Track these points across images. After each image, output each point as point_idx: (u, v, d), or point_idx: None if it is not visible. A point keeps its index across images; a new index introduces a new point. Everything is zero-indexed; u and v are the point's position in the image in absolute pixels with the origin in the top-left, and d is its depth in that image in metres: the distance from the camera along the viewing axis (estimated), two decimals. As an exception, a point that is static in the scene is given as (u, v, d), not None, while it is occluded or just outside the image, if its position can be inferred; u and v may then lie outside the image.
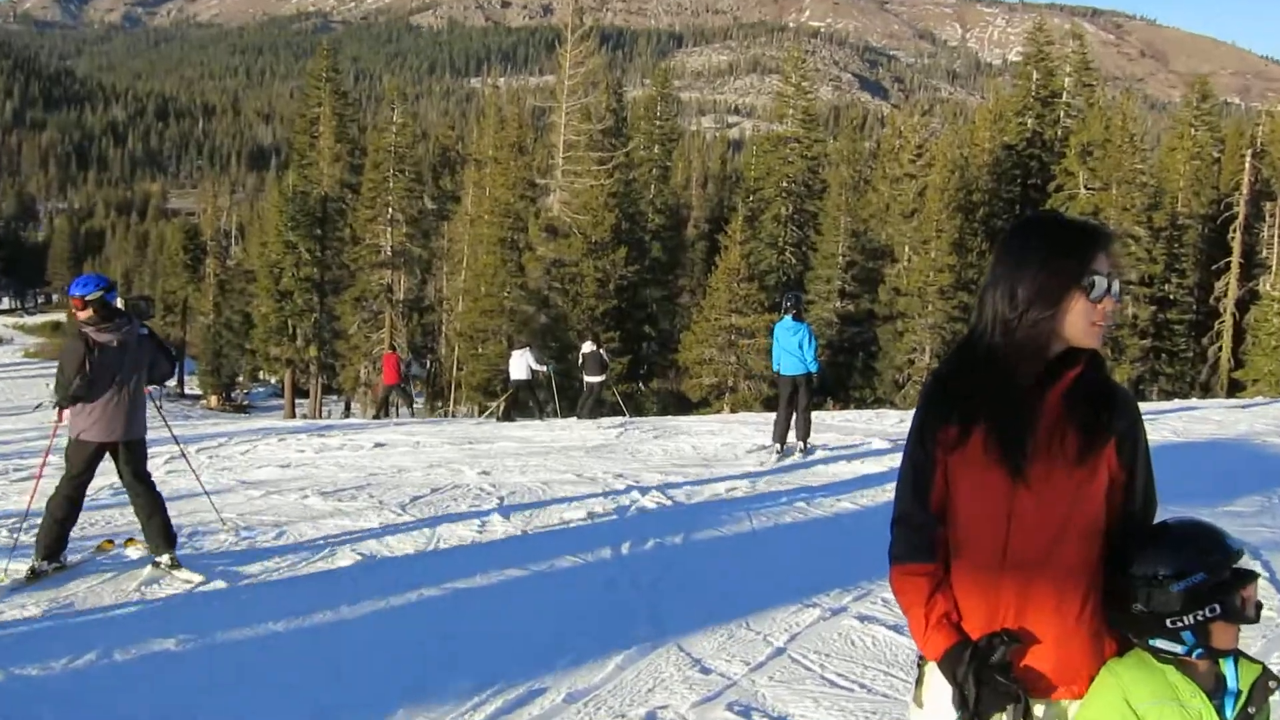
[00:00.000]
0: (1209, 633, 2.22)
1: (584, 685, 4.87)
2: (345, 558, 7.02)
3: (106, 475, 7.85)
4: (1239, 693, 2.24)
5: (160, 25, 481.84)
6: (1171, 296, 41.96)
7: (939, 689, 2.38)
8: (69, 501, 6.72)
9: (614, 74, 50.86)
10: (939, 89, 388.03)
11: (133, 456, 6.91)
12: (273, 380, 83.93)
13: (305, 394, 58.14)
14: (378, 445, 14.25)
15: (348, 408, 56.44)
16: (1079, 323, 2.32)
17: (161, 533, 6.76)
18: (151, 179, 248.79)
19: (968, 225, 42.28)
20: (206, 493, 8.91)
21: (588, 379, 20.89)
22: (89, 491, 7.06)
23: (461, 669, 5.08)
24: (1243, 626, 2.25)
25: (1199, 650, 2.23)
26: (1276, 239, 41.50)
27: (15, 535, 7.44)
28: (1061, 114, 46.35)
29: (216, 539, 7.69)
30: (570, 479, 10.23)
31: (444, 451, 13.29)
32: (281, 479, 10.82)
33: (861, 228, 45.64)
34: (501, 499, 9.12)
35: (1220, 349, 41.67)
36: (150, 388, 7.31)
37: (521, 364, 21.09)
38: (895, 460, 11.26)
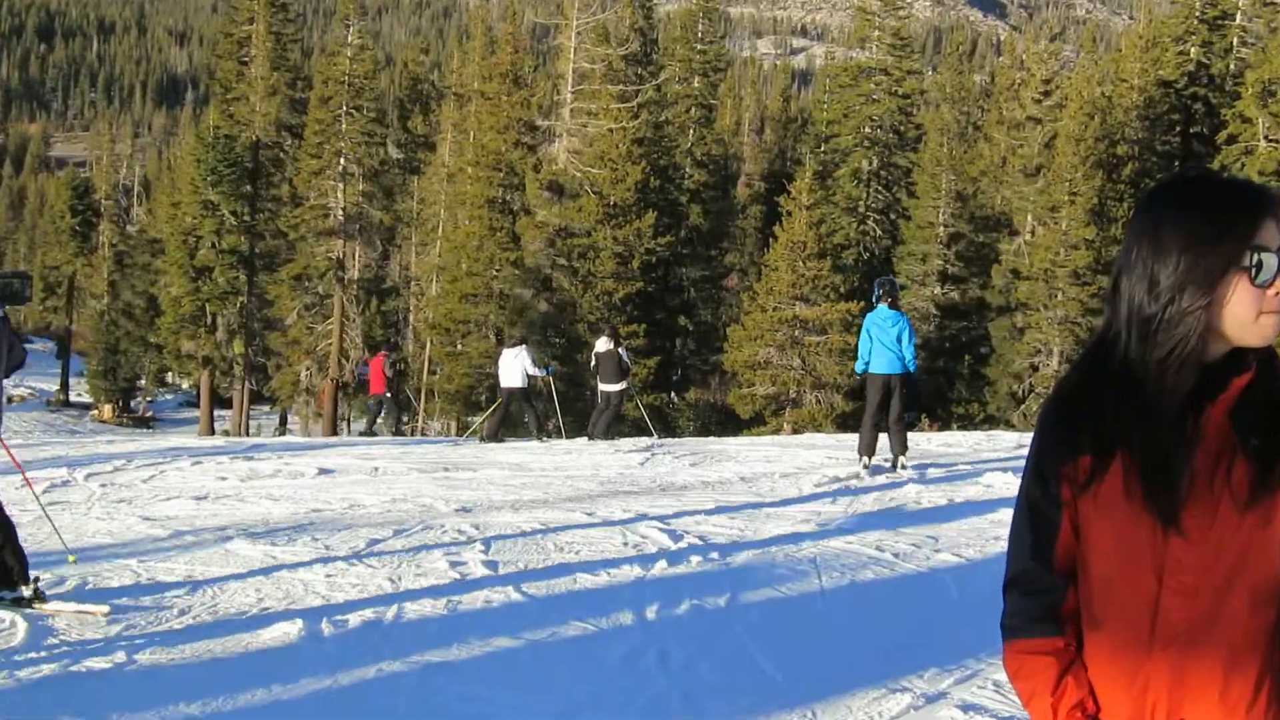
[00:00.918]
0: None
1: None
2: (280, 622, 7.02)
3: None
4: None
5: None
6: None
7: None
8: None
9: (641, -18, 50.92)
10: (1073, 6, 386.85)
11: None
12: (185, 385, 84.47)
13: (227, 403, 58.53)
14: (323, 472, 14.29)
15: (284, 422, 56.85)
16: (1243, 315, 2.26)
17: (16, 561, 6.88)
18: (29, 117, 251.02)
19: (1110, 187, 42.16)
20: (58, 529, 8.96)
21: (603, 387, 20.89)
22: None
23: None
24: None
25: None
26: None
27: None
28: (1235, 41, 46.13)
29: (110, 590, 7.71)
30: (579, 520, 10.23)
31: (411, 481, 13.31)
32: (196, 515, 10.86)
33: (969, 189, 45.59)
34: (487, 546, 9.12)
35: None
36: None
37: (515, 367, 21.10)
38: (1012, 501, 11.20)
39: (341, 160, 46.06)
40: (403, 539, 9.43)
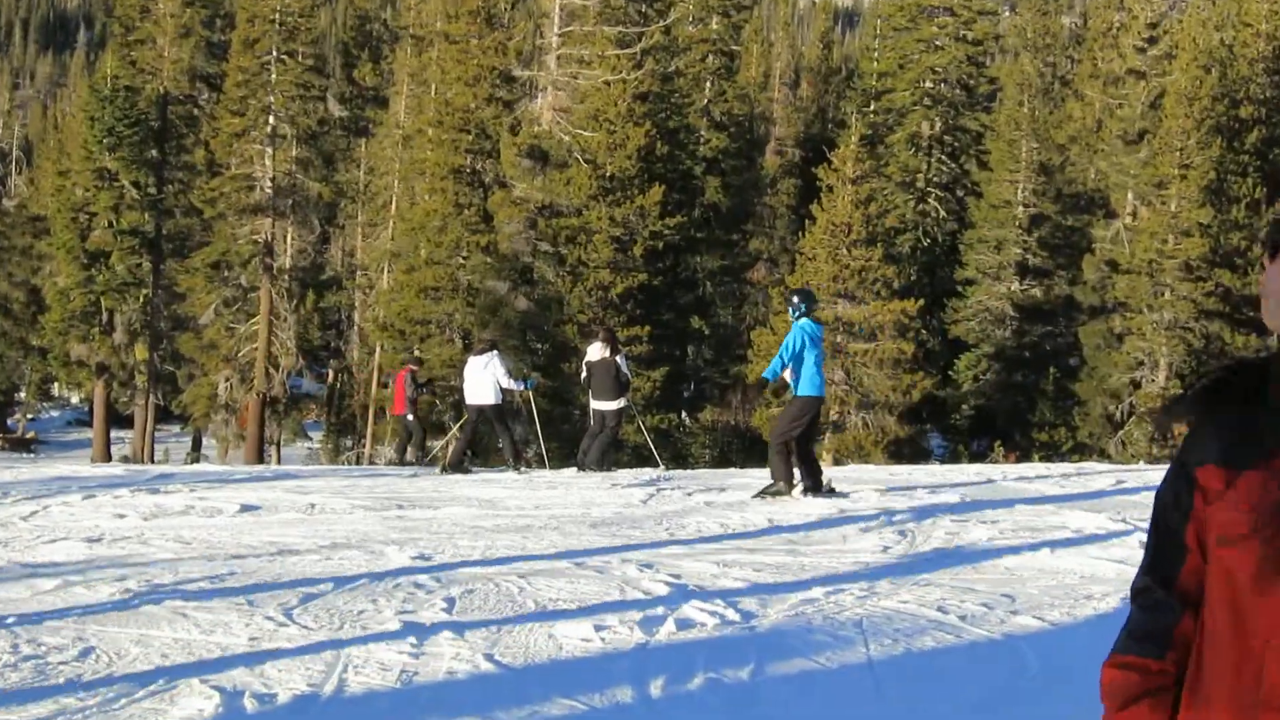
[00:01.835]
0: None
1: None
2: (192, 698, 7.01)
3: None
4: None
5: None
6: None
7: None
8: None
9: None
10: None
11: None
12: (75, 399, 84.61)
13: (128, 422, 58.59)
14: (246, 509, 14.31)
15: (197, 446, 56.88)
16: None
17: None
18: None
19: (1231, 158, 42.16)
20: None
21: (596, 405, 20.91)
22: None
23: None
24: None
25: None
26: None
27: None
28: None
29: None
30: (566, 570, 10.24)
31: (356, 521, 13.34)
32: (90, 562, 10.86)
33: (1055, 160, 45.68)
34: (450, 603, 9.12)
35: None
36: None
37: (485, 379, 21.12)
38: (1108, 551, 11.23)
39: (271, 119, 46.17)
40: (345, 593, 9.42)
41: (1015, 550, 11.36)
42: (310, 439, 64.31)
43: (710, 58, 52.95)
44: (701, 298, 49.67)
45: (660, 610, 8.97)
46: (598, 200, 41.67)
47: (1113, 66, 45.49)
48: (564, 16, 42.78)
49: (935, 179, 49.77)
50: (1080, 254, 43.38)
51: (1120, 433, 40.15)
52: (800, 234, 42.71)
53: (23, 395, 77.07)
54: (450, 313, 39.97)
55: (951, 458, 44.64)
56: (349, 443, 54.18)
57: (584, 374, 21.25)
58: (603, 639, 8.26)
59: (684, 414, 48.18)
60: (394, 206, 48.81)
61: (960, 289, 47.64)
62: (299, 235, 47.56)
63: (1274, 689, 2.28)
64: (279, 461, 53.05)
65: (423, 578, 9.97)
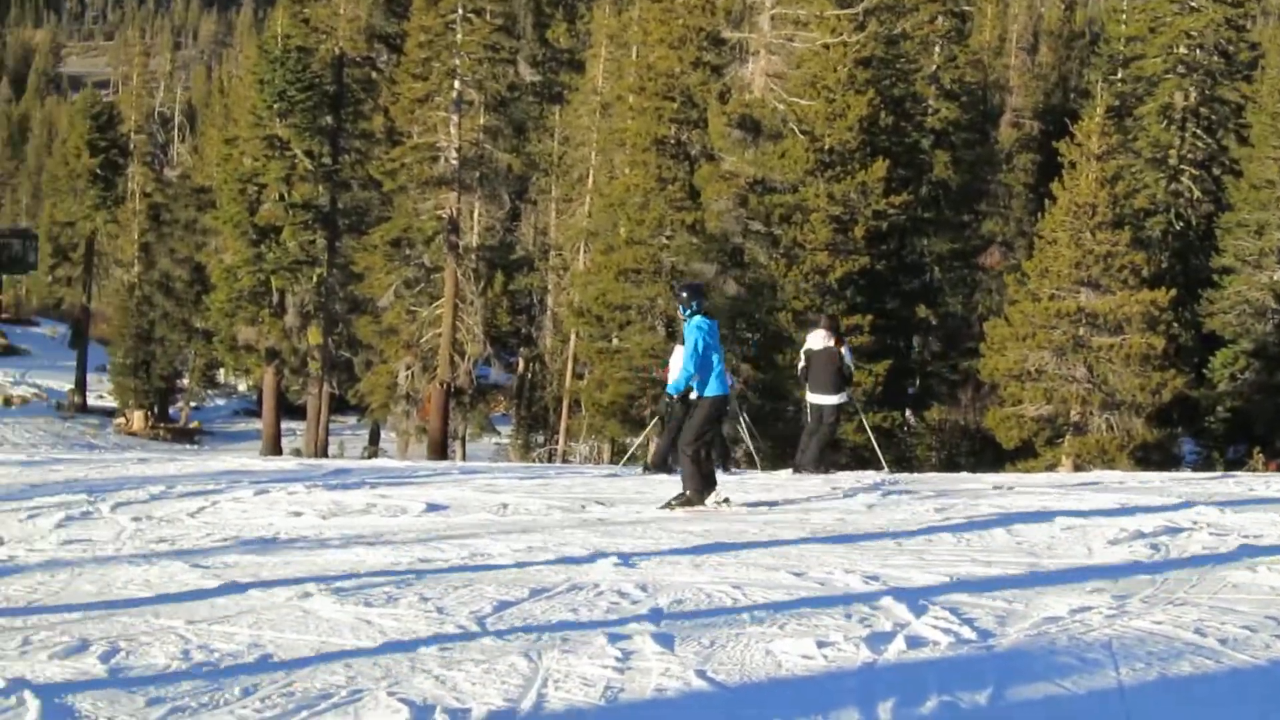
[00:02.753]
0: None
1: None
2: (378, 711, 7.09)
3: None
4: None
5: None
6: None
7: None
8: None
9: None
10: None
11: None
12: (242, 387, 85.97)
13: (299, 412, 59.50)
14: (432, 509, 14.49)
15: (375, 439, 57.66)
16: None
17: None
18: (33, 21, 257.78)
19: None
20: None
21: (814, 399, 20.82)
22: None
23: None
24: None
25: None
26: None
27: None
28: None
29: (148, 660, 7.89)
30: (783, 580, 10.24)
31: (553, 523, 13.44)
32: (263, 563, 11.09)
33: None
34: (658, 613, 9.17)
35: None
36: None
37: (692, 370, 21.16)
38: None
39: (456, 84, 46.48)
40: (543, 601, 9.49)
41: (1287, 567, 11.14)
42: (498, 433, 64.71)
43: (940, 19, 52.52)
44: (928, 284, 49.37)
45: (888, 626, 8.94)
46: (815, 176, 41.56)
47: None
48: (778, -26, 42.75)
49: (1189, 156, 48.92)
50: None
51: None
52: (1038, 215, 42.23)
53: (186, 382, 78.14)
54: (652, 297, 40.04)
55: (1204, 465, 43.82)
56: (540, 438, 54.61)
57: (803, 364, 21.13)
58: (825, 656, 8.22)
59: (908, 412, 47.85)
60: (591, 180, 49.13)
61: (1216, 278, 46.70)
62: (486, 211, 47.90)
63: None
64: (464, 457, 53.38)
65: (627, 586, 10.02)
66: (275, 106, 48.86)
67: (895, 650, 8.40)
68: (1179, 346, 42.99)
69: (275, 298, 50.40)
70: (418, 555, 11.40)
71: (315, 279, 49.85)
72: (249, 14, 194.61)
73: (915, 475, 22.83)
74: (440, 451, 46.67)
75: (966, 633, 8.85)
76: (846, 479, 18.34)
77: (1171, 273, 45.64)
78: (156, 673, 7.66)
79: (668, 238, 40.00)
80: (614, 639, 8.49)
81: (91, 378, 77.73)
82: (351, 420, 64.86)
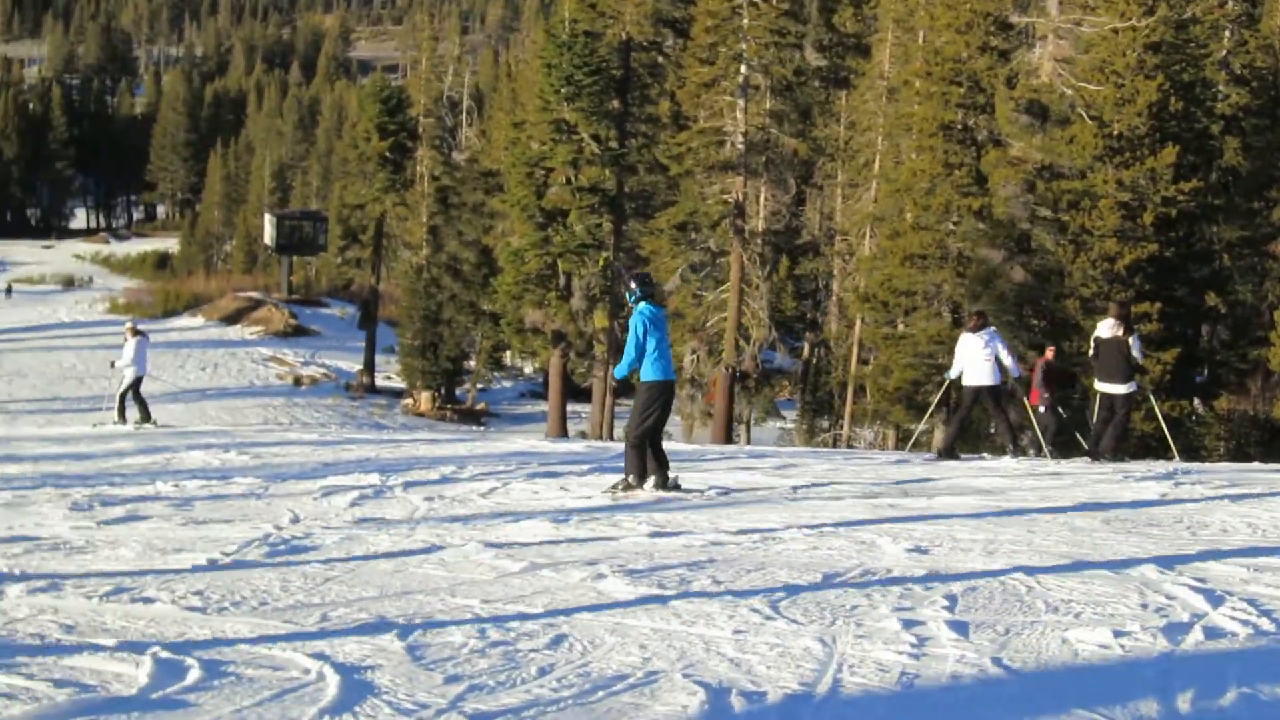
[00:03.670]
0: None
1: None
2: (675, 693, 7.14)
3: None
4: None
5: None
6: None
7: None
8: None
9: None
10: None
11: None
12: (528, 369, 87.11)
13: (585, 395, 60.14)
14: (720, 491, 14.59)
15: (662, 422, 57.85)
16: None
17: None
18: (324, 6, 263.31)
19: None
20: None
21: (1102, 387, 20.62)
22: None
23: None
24: None
25: None
26: None
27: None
28: None
29: (445, 639, 8.07)
30: (1077, 570, 10.15)
31: (843, 508, 13.45)
32: (556, 543, 11.30)
33: None
34: (952, 601, 9.13)
35: None
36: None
37: (980, 359, 21.02)
38: None
39: (742, 68, 46.56)
40: (836, 587, 9.49)
41: None
42: (783, 418, 64.66)
43: (1230, 3, 51.35)
44: (1218, 272, 48.28)
45: (1185, 616, 8.81)
46: (1103, 161, 40.96)
47: None
48: (1070, -45, 42.17)
49: None
50: None
51: None
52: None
53: (472, 364, 79.20)
54: (938, 283, 39.81)
55: None
56: (825, 423, 54.51)
57: (1093, 352, 21.01)
58: (1122, 646, 8.13)
59: (1196, 401, 46.96)
60: (877, 165, 48.87)
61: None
62: (772, 195, 47.91)
63: None
64: (749, 441, 53.54)
65: (920, 572, 10.02)
66: (563, 91, 49.38)
67: (1193, 641, 8.28)
68: None
69: (562, 281, 50.98)
70: (709, 539, 11.50)
71: (601, 262, 50.30)
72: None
73: (1206, 465, 22.37)
74: (725, 435, 46.86)
75: (1266, 624, 8.68)
76: (1139, 468, 18.05)
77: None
78: (453, 651, 7.83)
79: (954, 223, 39.72)
80: (908, 624, 8.49)
81: (379, 358, 79.33)
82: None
